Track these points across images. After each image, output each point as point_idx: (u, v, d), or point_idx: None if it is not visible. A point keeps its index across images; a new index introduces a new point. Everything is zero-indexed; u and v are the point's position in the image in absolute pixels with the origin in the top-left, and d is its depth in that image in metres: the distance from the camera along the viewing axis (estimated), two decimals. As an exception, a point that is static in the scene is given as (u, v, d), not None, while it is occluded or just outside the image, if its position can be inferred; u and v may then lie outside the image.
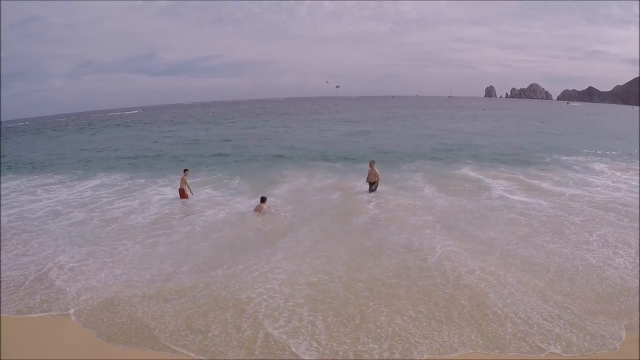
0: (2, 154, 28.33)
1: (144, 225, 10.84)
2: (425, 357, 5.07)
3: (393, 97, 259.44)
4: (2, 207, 13.01)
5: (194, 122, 55.94)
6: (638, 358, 4.95)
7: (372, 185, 13.56)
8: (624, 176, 16.61)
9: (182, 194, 13.55)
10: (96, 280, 7.41)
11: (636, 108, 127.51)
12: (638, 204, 11.87)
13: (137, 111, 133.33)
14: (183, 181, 13.59)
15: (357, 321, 5.82)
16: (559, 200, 12.46)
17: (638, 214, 10.76)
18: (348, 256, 8.16)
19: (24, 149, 33.26)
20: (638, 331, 5.51)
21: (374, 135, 33.58)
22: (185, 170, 13.89)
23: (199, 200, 13.50)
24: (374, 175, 13.53)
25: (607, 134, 34.43)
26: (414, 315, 5.96)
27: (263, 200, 11.69)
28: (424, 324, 5.73)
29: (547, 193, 13.49)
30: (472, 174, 17.07)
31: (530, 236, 9.23)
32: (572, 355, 5.06)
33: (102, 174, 18.68)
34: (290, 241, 9.10)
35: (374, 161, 13.82)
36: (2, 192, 15.42)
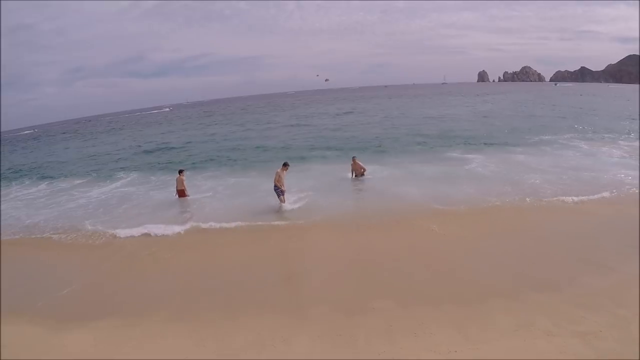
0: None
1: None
2: (426, 357, 5.08)
3: (385, 86, 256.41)
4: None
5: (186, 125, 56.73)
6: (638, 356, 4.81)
7: (359, 175, 14.81)
8: (593, 149, 18.54)
9: (182, 195, 13.43)
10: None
11: (612, 85, 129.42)
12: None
13: (168, 109, 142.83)
14: (180, 181, 13.49)
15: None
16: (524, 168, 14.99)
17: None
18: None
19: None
20: (638, 321, 5.37)
21: (370, 125, 34.84)
22: (180, 171, 13.80)
23: (221, 191, 14.51)
24: (359, 168, 14.80)
25: (594, 114, 35.50)
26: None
27: (285, 165, 12.27)
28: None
29: (520, 164, 15.90)
30: (459, 155, 18.74)
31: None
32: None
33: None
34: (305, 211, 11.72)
35: (355, 157, 15.05)
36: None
